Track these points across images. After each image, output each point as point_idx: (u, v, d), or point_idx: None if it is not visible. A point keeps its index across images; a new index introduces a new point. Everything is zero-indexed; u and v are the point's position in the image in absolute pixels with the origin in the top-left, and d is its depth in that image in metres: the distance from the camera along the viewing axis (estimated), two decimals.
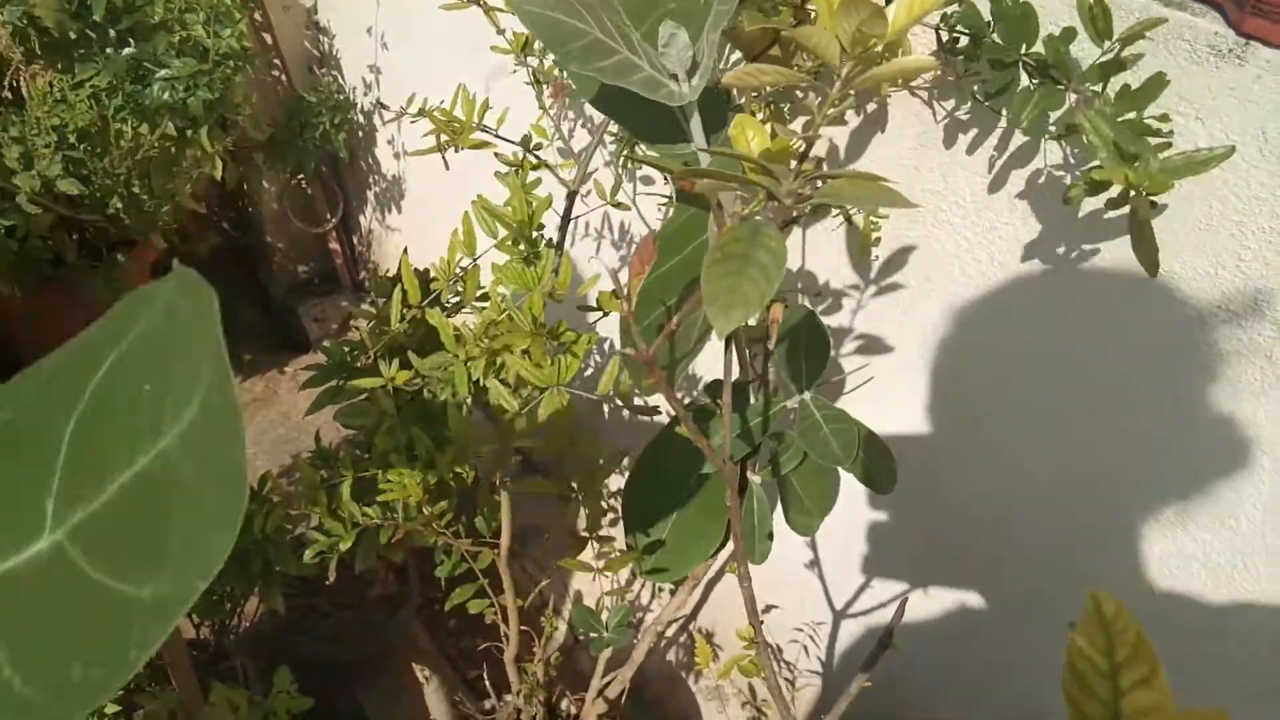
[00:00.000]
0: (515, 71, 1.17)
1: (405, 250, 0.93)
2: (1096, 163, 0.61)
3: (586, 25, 0.56)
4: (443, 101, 0.88)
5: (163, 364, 0.26)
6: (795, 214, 0.43)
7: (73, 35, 1.28)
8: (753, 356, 0.81)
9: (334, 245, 2.17)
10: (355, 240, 2.23)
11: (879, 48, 0.37)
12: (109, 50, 1.29)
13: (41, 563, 0.25)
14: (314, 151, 1.82)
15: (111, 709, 1.22)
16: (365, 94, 1.84)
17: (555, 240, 0.91)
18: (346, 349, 1.06)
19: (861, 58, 0.36)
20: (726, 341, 0.67)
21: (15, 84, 1.46)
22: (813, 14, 0.72)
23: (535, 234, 0.86)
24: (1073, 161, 0.77)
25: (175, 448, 0.24)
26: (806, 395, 0.79)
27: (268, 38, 1.81)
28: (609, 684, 1.15)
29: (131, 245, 1.67)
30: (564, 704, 1.23)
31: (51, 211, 1.49)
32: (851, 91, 0.39)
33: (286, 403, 2.01)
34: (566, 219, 0.95)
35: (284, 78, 1.86)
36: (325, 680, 1.30)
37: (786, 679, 1.41)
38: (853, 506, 1.15)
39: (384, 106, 0.89)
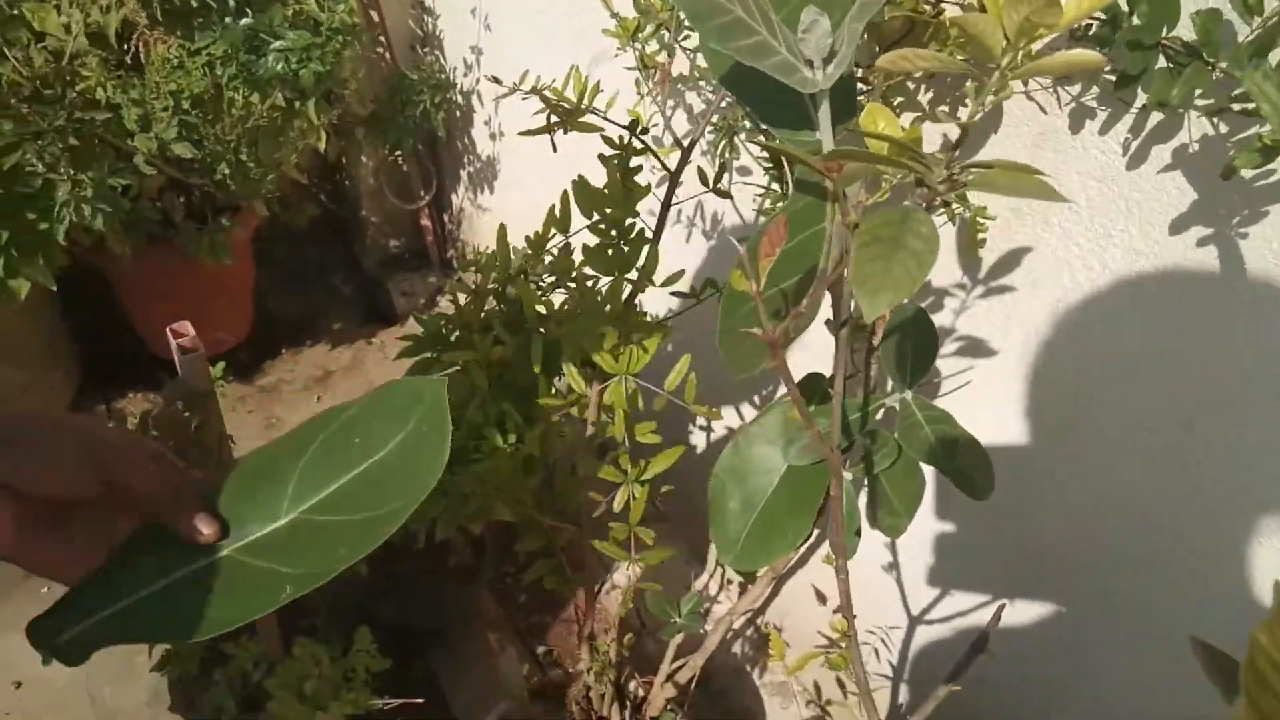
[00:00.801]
0: (618, 55, 1.18)
1: (502, 226, 0.94)
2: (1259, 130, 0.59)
3: (730, 3, 0.56)
4: (554, 80, 0.89)
5: (367, 429, 0.52)
6: (930, 203, 0.43)
7: (194, 4, 1.32)
8: (854, 351, 0.80)
9: (425, 222, 2.21)
10: (446, 218, 2.26)
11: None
12: (227, 20, 1.33)
13: (284, 529, 0.50)
14: (413, 129, 1.85)
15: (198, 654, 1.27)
16: (465, 74, 1.86)
17: (655, 225, 0.91)
18: (441, 322, 1.08)
19: (1024, 49, 0.35)
20: (836, 333, 0.66)
21: (137, 50, 1.52)
22: (942, 5, 0.71)
23: (629, 221, 0.86)
24: (1205, 158, 0.74)
25: (391, 455, 0.50)
26: (908, 394, 0.78)
27: (374, 15, 1.84)
28: (679, 669, 1.15)
29: (236, 211, 1.72)
30: (632, 685, 1.24)
31: (163, 174, 1.54)
32: (1004, 84, 0.39)
33: (373, 372, 2.06)
34: (666, 205, 0.95)
35: (388, 55, 1.90)
36: (399, 644, 1.33)
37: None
38: (935, 510, 1.13)
39: (495, 80, 0.91)
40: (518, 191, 1.90)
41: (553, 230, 0.86)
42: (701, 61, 1.12)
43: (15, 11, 1.40)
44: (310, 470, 0.51)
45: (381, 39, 1.88)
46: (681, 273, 0.89)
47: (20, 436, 0.46)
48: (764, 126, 0.63)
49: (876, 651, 1.34)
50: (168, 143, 1.34)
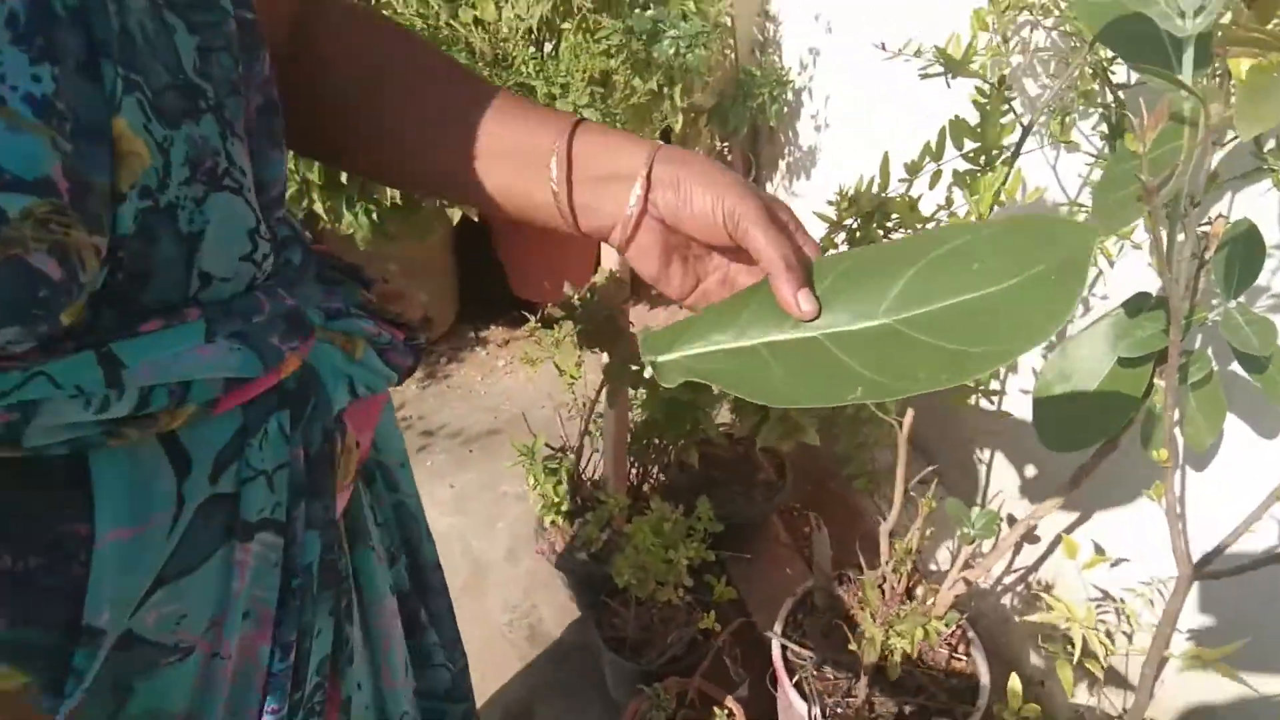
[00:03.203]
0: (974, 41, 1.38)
1: (885, 153, 1.16)
2: None
3: None
4: (936, 45, 1.11)
5: (986, 259, 0.49)
6: None
7: None
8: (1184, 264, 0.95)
9: None
10: None
11: None
12: (636, 10, 1.67)
13: (873, 330, 0.50)
14: (749, 119, 2.14)
15: (565, 507, 1.58)
16: (800, 73, 2.13)
17: (1010, 157, 1.11)
18: None
19: None
20: (1170, 231, 0.84)
21: (543, 38, 1.90)
22: None
23: (994, 150, 1.06)
24: None
25: (1006, 295, 0.47)
26: (1232, 303, 0.93)
27: (728, 20, 2.15)
28: (968, 571, 1.32)
29: None
30: (920, 591, 1.42)
31: None
32: None
33: None
34: (1016, 153, 1.15)
35: (733, 55, 2.21)
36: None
37: (1125, 631, 1.49)
38: (1228, 454, 1.23)
39: (882, 47, 1.14)
40: (832, 177, 2.14)
41: (926, 159, 1.08)
42: (1046, 45, 1.31)
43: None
44: (918, 282, 0.50)
45: (731, 41, 2.18)
46: (1042, 190, 1.07)
47: (684, 182, 0.54)
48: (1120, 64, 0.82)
49: (1152, 602, 1.43)
50: (580, 108, 1.69)
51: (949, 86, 1.08)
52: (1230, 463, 1.24)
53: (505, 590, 1.73)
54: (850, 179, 1.24)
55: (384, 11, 1.67)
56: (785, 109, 2.23)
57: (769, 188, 2.45)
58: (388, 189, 1.68)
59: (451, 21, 1.77)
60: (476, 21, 1.83)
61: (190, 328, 0.41)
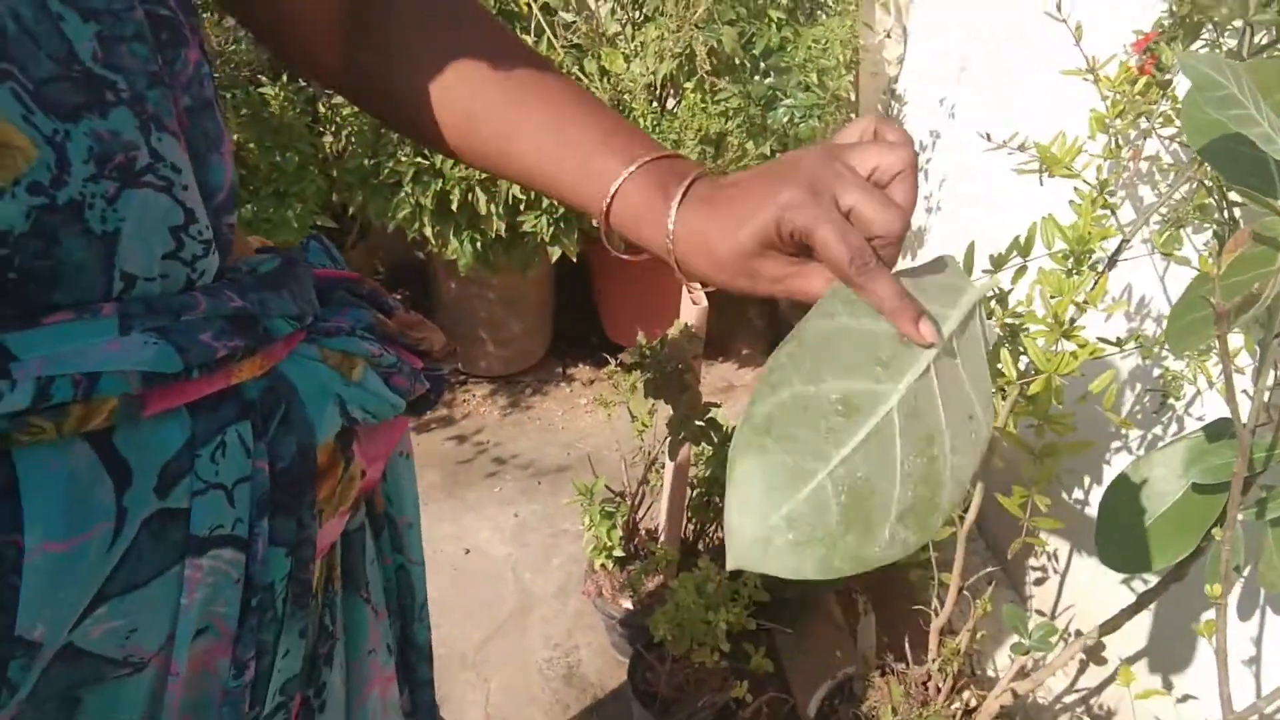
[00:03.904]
0: (1085, 143, 1.36)
1: (971, 243, 1.15)
2: None
3: (1227, 82, 0.75)
4: (1037, 142, 1.09)
5: None
6: None
7: (736, 61, 1.70)
8: (1269, 397, 0.91)
9: None
10: None
11: None
12: (756, 77, 1.70)
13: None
14: None
15: (617, 553, 1.58)
16: (919, 154, 2.12)
17: (1104, 265, 1.08)
18: None
19: None
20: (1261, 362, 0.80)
21: (666, 96, 1.95)
22: None
23: (1084, 252, 1.04)
24: None
25: None
26: None
27: (851, 95, 2.17)
28: (1017, 681, 1.26)
29: None
30: (966, 694, 1.36)
31: None
32: None
33: None
34: (1113, 261, 1.12)
35: None
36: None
37: None
38: None
39: (987, 137, 1.14)
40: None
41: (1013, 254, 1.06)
42: (1166, 157, 1.27)
43: (591, 54, 1.87)
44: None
45: (852, 115, 2.20)
46: (1126, 300, 1.04)
47: (696, 270, 0.52)
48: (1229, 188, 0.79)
49: None
50: None
51: (1041, 184, 1.06)
52: None
53: (550, 627, 1.74)
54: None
55: None
56: None
57: None
58: (494, 221, 1.75)
59: (574, 70, 1.84)
60: (602, 72, 1.89)
61: (101, 323, 0.39)
